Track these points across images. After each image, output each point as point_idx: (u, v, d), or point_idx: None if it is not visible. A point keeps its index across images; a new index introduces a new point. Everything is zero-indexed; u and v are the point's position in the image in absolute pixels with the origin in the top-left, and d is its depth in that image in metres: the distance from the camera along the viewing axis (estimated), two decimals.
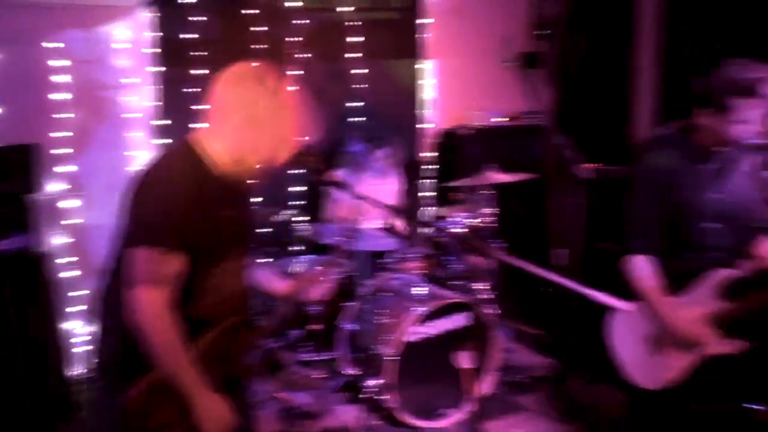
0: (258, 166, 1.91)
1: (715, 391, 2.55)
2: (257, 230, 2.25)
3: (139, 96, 4.12)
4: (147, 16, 4.08)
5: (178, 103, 4.07)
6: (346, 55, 4.66)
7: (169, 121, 4.11)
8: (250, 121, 1.83)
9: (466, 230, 3.70)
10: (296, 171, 4.47)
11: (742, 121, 2.31)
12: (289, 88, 1.90)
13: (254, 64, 1.92)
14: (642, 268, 2.50)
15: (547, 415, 3.52)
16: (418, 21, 4.96)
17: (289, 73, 3.63)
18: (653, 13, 5.23)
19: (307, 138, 1.95)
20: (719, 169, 2.50)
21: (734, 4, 4.60)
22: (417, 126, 5.07)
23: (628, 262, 2.52)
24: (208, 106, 1.90)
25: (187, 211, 1.77)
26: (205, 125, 1.90)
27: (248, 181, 1.99)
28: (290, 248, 4.22)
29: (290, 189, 4.50)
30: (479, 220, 3.77)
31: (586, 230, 4.16)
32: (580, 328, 4.15)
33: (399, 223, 4.33)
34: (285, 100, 1.88)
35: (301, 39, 4.43)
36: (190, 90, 4.06)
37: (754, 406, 3.13)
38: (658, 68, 5.23)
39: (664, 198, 2.49)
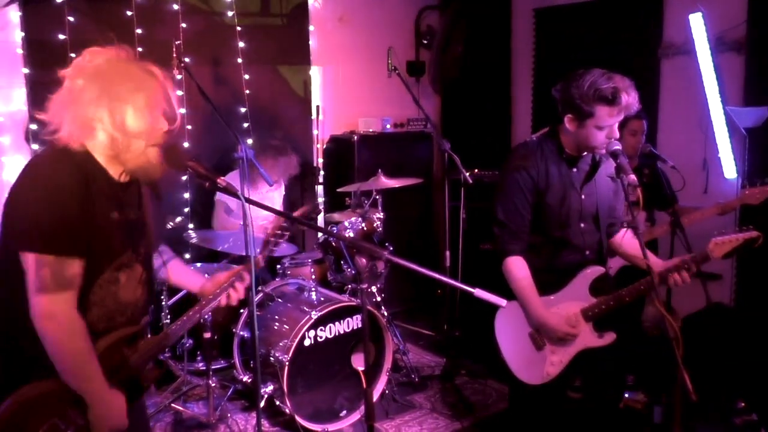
0: (152, 157, 1.80)
1: (593, 382, 2.75)
2: (163, 229, 2.11)
3: (10, 99, 3.87)
4: (16, 15, 3.83)
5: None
6: (238, 60, 4.59)
7: (36, 126, 3.88)
8: (107, 110, 1.72)
9: (356, 234, 3.77)
10: (185, 177, 4.36)
11: (600, 127, 2.46)
12: (154, 71, 1.79)
13: (87, 51, 1.77)
14: (515, 268, 2.60)
15: (438, 412, 3.66)
16: (306, 28, 4.97)
17: (177, 70, 3.50)
18: (527, 26, 5.57)
19: (171, 117, 1.81)
20: (584, 173, 2.67)
21: (596, 17, 5.02)
22: (309, 132, 5.08)
23: (504, 264, 2.63)
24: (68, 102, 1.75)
25: (75, 211, 1.67)
26: (76, 123, 1.74)
27: (148, 182, 1.89)
28: (184, 256, 4.12)
29: (181, 196, 4.39)
30: (368, 224, 3.84)
31: (469, 232, 4.36)
32: (468, 326, 4.35)
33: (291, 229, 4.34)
34: (128, 73, 1.75)
35: (181, 42, 4.29)
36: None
37: (628, 395, 3.42)
38: (534, 76, 5.57)
39: (532, 201, 2.61)
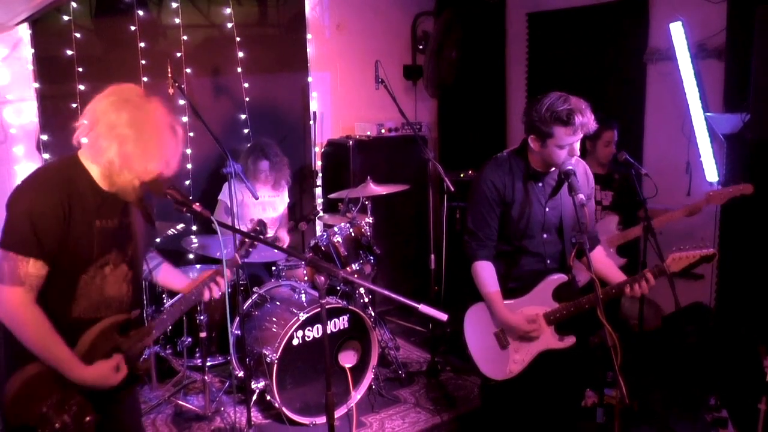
0: (135, 184, 2.02)
1: (552, 380, 2.95)
2: (151, 239, 2.36)
3: (22, 112, 4.14)
4: (26, 33, 4.08)
5: (60, 119, 4.12)
6: (238, 69, 4.78)
7: (46, 137, 4.14)
8: (118, 141, 1.93)
9: (344, 239, 3.97)
10: (188, 182, 4.60)
11: (560, 146, 2.65)
12: (159, 110, 1.99)
13: (128, 85, 2.02)
14: (482, 272, 2.83)
15: (421, 407, 3.87)
16: (304, 36, 5.15)
17: (172, 89, 3.71)
18: (521, 30, 5.70)
19: (170, 165, 2.02)
20: (550, 188, 2.86)
21: (587, 22, 5.13)
22: (308, 136, 5.26)
23: (472, 268, 2.86)
24: (83, 124, 1.99)
25: (51, 219, 1.90)
26: (84, 141, 1.99)
27: (135, 194, 2.08)
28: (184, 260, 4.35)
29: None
30: (356, 229, 4.03)
31: (459, 235, 4.52)
32: (459, 323, 4.52)
33: (285, 235, 4.55)
34: (153, 121, 1.97)
35: (182, 54, 4.50)
36: (71, 105, 4.12)
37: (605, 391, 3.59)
38: (528, 78, 5.71)
39: (499, 212, 2.83)
